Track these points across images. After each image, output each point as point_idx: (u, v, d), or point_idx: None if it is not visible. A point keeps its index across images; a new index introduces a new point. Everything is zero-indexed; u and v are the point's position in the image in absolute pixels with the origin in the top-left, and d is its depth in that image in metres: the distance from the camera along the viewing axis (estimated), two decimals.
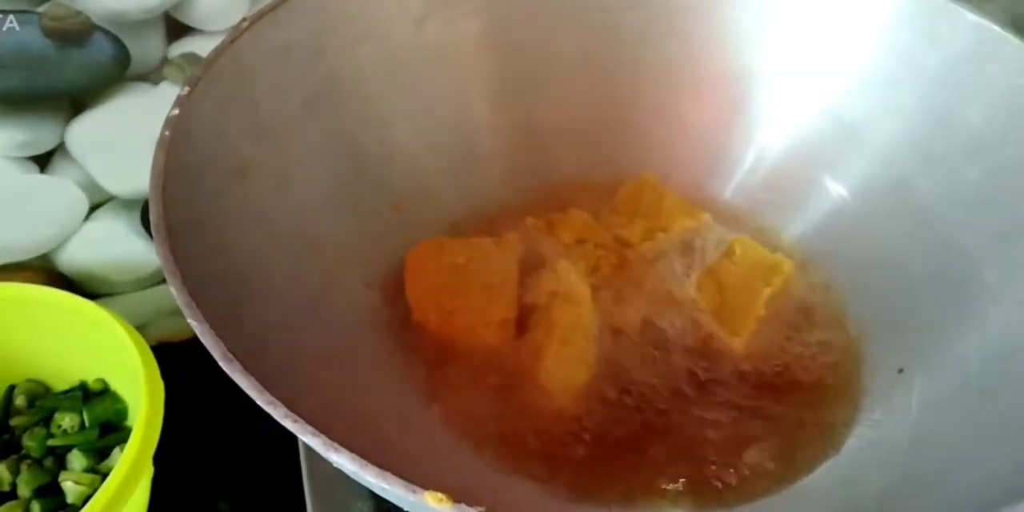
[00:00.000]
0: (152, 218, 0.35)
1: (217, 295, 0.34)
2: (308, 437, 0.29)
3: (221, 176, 0.41)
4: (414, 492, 0.27)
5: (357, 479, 0.30)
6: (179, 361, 0.51)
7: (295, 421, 0.29)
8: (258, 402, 0.30)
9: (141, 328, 0.51)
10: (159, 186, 0.36)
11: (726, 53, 0.54)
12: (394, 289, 0.50)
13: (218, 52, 0.43)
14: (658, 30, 0.54)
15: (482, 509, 0.27)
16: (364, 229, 0.50)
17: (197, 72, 0.41)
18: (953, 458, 0.40)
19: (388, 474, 0.28)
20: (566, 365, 0.46)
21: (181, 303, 0.32)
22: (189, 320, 0.31)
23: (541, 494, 0.43)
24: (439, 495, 0.27)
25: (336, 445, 0.28)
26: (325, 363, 0.41)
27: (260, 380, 0.30)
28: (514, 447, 0.45)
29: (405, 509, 0.32)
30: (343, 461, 0.28)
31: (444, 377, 0.47)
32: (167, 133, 0.38)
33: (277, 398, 0.29)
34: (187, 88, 0.40)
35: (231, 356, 0.30)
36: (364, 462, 0.28)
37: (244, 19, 0.53)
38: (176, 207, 0.36)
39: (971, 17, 0.46)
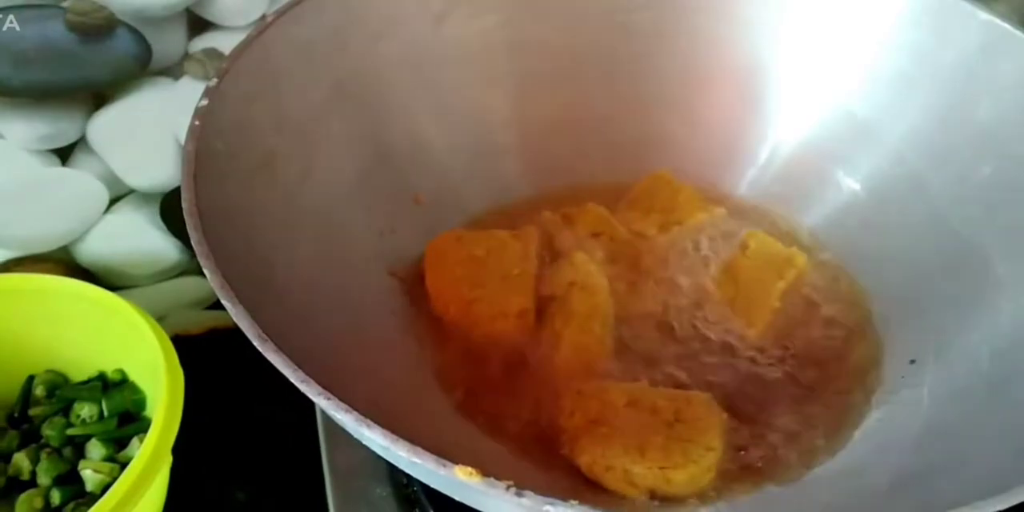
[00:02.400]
0: (184, 204, 0.36)
1: (247, 279, 0.35)
2: (341, 414, 0.29)
3: (247, 165, 0.42)
4: (445, 466, 0.28)
5: (386, 455, 0.31)
6: (196, 353, 0.51)
7: (328, 398, 0.30)
8: (291, 379, 0.30)
9: (158, 321, 0.51)
10: (190, 173, 0.37)
11: (739, 51, 0.55)
12: (415, 278, 0.50)
13: (244, 45, 0.43)
14: (672, 28, 0.55)
15: (510, 483, 0.28)
16: (386, 219, 0.50)
17: (224, 64, 0.42)
18: (963, 448, 0.41)
19: (419, 449, 0.28)
20: (584, 353, 0.47)
21: (215, 285, 0.33)
22: (223, 301, 0.32)
23: (558, 476, 0.43)
24: (469, 469, 0.28)
25: (368, 421, 0.29)
26: (348, 346, 0.42)
27: (292, 359, 0.31)
28: (532, 433, 0.45)
29: (431, 487, 0.33)
30: (375, 436, 0.29)
31: (463, 365, 0.48)
32: (197, 122, 0.39)
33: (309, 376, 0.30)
34: (215, 80, 0.41)
35: (265, 336, 0.31)
36: (396, 437, 0.28)
37: (264, 15, 0.54)
38: (206, 194, 0.37)
39: (982, 15, 0.47)
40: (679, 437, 0.42)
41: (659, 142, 0.57)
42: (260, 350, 0.31)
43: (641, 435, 0.42)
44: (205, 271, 0.33)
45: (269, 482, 0.58)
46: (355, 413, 0.29)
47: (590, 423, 0.43)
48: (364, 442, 0.31)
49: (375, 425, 0.29)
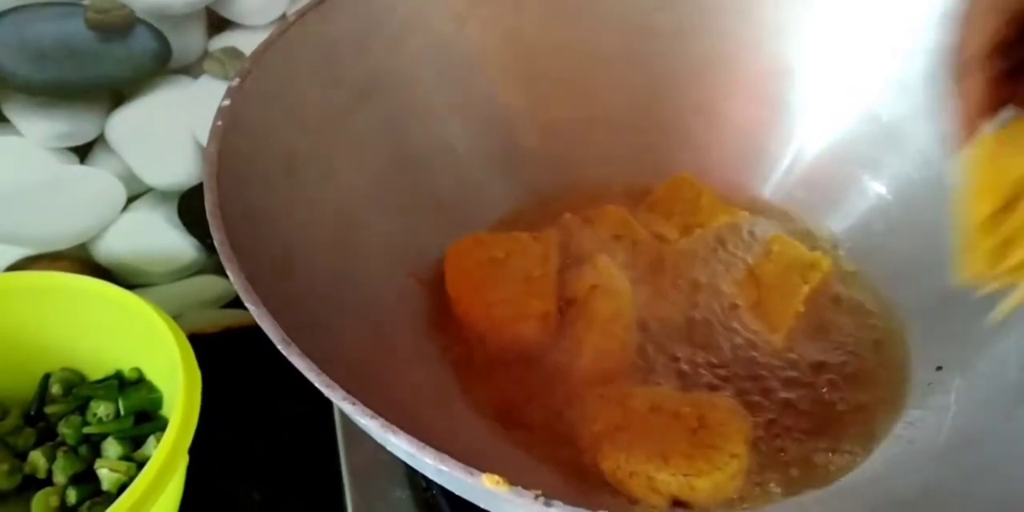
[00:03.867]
0: (208, 206, 0.35)
1: (269, 281, 0.35)
2: (366, 419, 0.29)
3: (269, 166, 0.42)
4: (472, 475, 0.28)
5: (410, 462, 0.31)
6: (212, 352, 0.51)
7: (353, 403, 0.29)
8: (316, 384, 0.30)
9: (174, 319, 0.51)
10: (213, 174, 0.37)
11: (763, 53, 0.54)
12: (435, 280, 0.50)
13: (267, 45, 0.43)
14: (695, 29, 0.55)
15: (538, 493, 0.27)
16: (406, 221, 0.50)
17: (247, 64, 0.42)
18: (992, 455, 0.41)
19: (446, 457, 0.28)
20: (606, 357, 0.47)
21: (239, 288, 0.32)
22: (248, 304, 0.32)
23: (579, 481, 0.43)
24: (496, 478, 0.28)
25: (394, 428, 0.29)
26: (368, 348, 0.42)
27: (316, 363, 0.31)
28: (554, 438, 0.45)
29: (455, 493, 0.32)
30: (401, 443, 0.28)
31: (484, 368, 0.48)
32: (219, 123, 0.39)
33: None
34: (238, 79, 0.41)
35: (289, 340, 0.31)
36: (422, 445, 0.28)
37: (284, 14, 0.54)
38: (228, 195, 0.37)
39: None
40: (703, 443, 0.42)
41: (682, 144, 0.56)
42: (284, 354, 0.31)
43: (664, 441, 0.42)
44: (229, 273, 0.33)
45: (286, 482, 0.58)
46: (381, 419, 0.29)
47: (613, 428, 0.43)
48: (388, 448, 0.30)
49: (401, 432, 0.28)
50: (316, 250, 0.43)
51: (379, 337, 0.44)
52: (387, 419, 0.29)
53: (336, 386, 0.30)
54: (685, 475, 0.41)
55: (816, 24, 0.53)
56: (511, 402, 0.46)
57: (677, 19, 0.54)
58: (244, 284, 0.32)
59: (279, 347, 0.31)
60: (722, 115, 0.56)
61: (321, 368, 0.31)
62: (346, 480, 0.49)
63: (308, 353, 0.31)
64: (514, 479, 0.28)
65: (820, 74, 0.54)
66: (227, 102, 0.40)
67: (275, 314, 0.32)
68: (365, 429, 0.30)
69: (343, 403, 0.29)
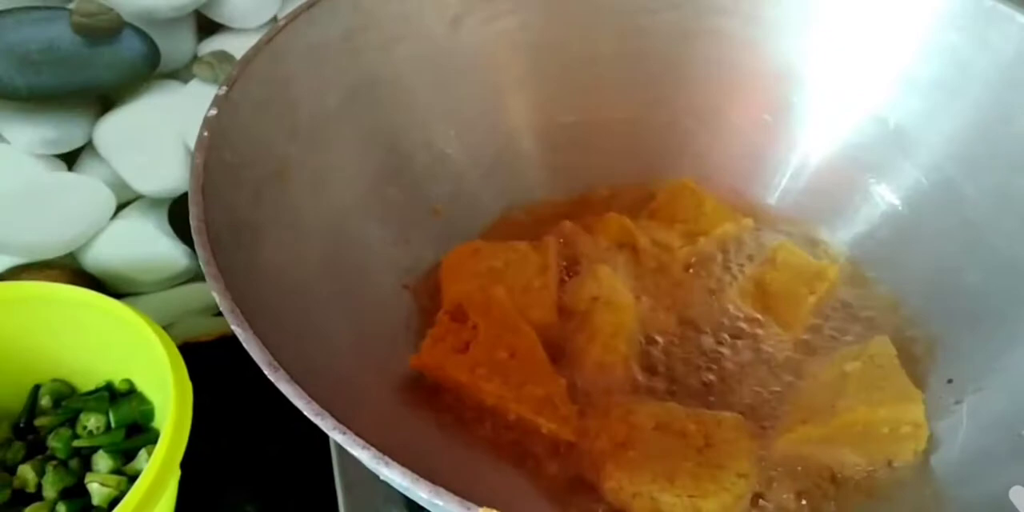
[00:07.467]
0: (193, 222, 0.34)
1: (256, 298, 0.34)
2: (357, 450, 0.28)
3: (259, 176, 0.40)
4: (468, 509, 0.27)
5: (405, 493, 0.30)
6: (205, 360, 0.50)
7: (344, 433, 0.28)
8: (305, 413, 0.29)
9: (167, 328, 0.50)
10: (199, 188, 0.35)
11: (767, 54, 0.53)
12: (430, 291, 0.49)
13: (255, 51, 0.42)
14: (696, 30, 0.53)
15: None
16: (400, 229, 0.49)
17: (234, 71, 0.41)
18: (1003, 472, 0.39)
19: (442, 490, 0.27)
20: (609, 373, 0.45)
21: (224, 309, 0.31)
22: (233, 327, 0.31)
23: (581, 502, 0.42)
24: None
25: (387, 459, 0.27)
26: (360, 363, 0.41)
27: (304, 388, 0.29)
28: (554, 455, 0.44)
29: None
30: (393, 475, 0.27)
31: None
32: (205, 134, 0.38)
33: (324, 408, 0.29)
34: (224, 88, 0.40)
35: (277, 365, 0.30)
36: (416, 477, 0.27)
37: (276, 17, 0.53)
38: (216, 209, 0.35)
39: (1022, 20, 0.45)
40: (709, 463, 0.41)
41: (683, 149, 0.55)
42: (272, 379, 0.30)
43: (670, 460, 0.41)
44: (214, 293, 0.32)
45: (280, 495, 0.57)
46: (373, 450, 0.28)
47: (616, 447, 0.42)
48: (381, 477, 0.29)
49: (394, 463, 0.27)
50: (306, 262, 0.41)
51: (370, 352, 0.43)
52: (379, 445, 0.28)
53: (327, 414, 0.29)
54: (691, 496, 0.40)
55: (821, 25, 0.51)
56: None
57: (678, 21, 0.53)
58: (230, 305, 0.31)
59: (266, 373, 0.30)
60: (725, 119, 0.54)
61: (310, 393, 0.29)
62: (340, 497, 0.48)
63: (297, 377, 0.30)
64: (511, 506, 0.27)
65: (825, 77, 0.52)
66: (213, 111, 0.39)
67: (262, 335, 0.31)
68: (358, 457, 0.29)
69: (334, 433, 0.28)
